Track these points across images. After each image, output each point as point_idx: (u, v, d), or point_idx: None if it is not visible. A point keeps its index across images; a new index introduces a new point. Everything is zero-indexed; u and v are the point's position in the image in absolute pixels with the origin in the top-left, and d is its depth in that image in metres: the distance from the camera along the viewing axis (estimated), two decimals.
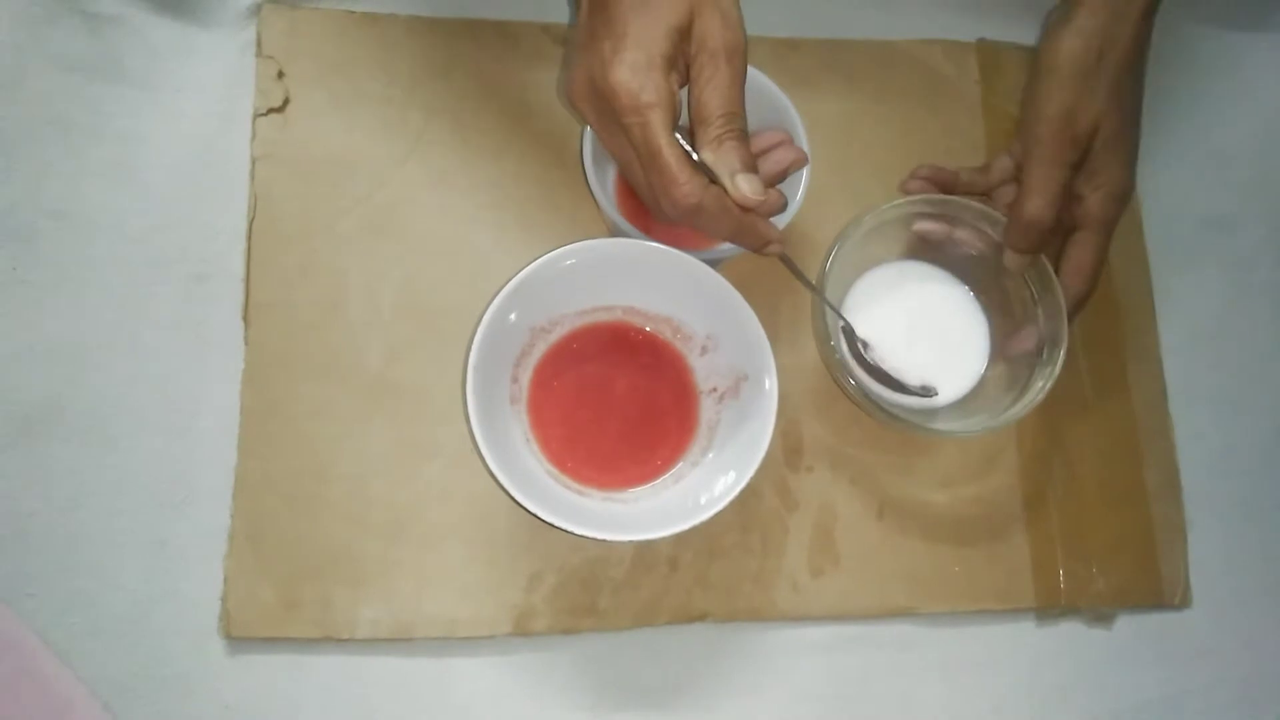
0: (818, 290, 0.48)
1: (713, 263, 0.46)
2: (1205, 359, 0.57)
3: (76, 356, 0.48)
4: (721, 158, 0.42)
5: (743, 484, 0.43)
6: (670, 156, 0.41)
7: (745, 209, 0.42)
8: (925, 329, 0.52)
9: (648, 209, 0.45)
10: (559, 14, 0.56)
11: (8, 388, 0.47)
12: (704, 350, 0.48)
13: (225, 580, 0.46)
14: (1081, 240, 0.50)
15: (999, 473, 0.53)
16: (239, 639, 0.46)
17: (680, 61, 0.42)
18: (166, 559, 0.46)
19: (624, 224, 0.48)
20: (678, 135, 0.41)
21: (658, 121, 0.40)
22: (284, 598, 0.46)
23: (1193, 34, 0.62)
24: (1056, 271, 0.50)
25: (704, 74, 0.42)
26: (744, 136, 0.42)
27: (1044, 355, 0.50)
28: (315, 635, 0.46)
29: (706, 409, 0.48)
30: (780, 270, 0.53)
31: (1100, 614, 0.52)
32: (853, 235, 0.49)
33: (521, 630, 0.47)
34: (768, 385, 0.44)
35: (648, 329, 0.49)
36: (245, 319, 0.49)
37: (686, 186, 0.41)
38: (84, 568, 0.46)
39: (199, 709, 0.45)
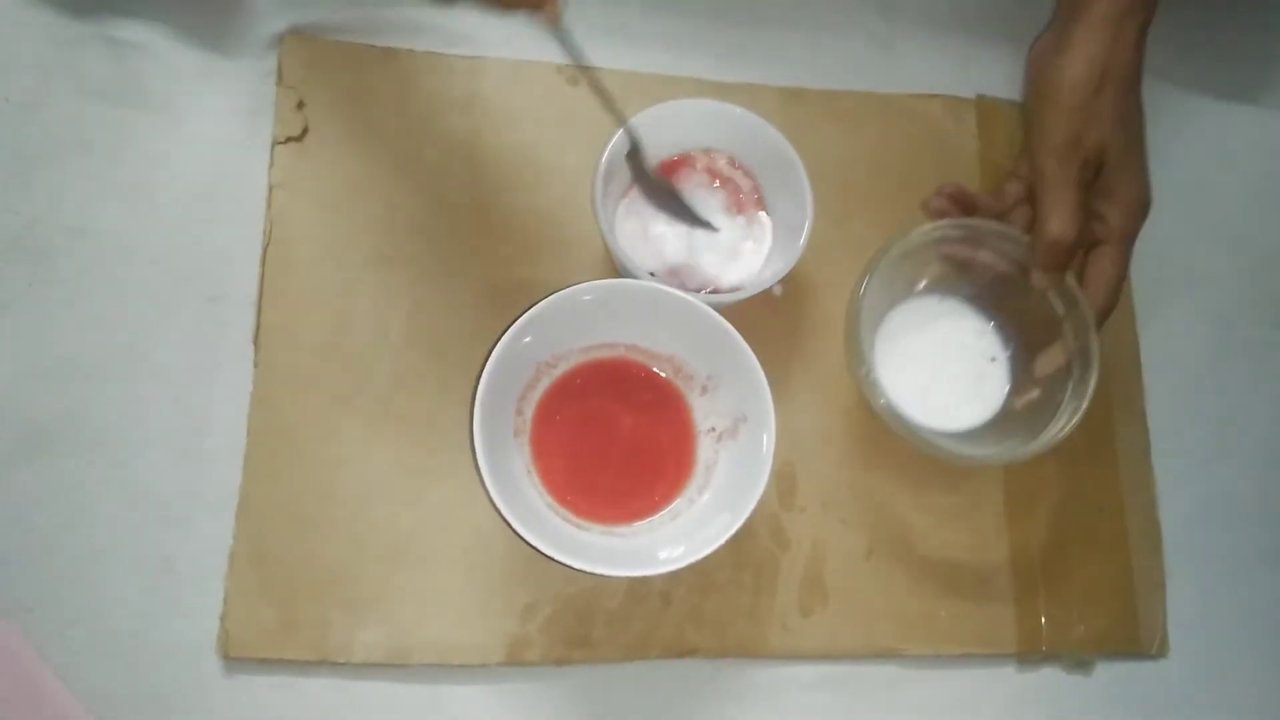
0: (593, 79, 0.47)
1: (717, 306, 0.47)
2: (1188, 413, 0.59)
3: (89, 374, 0.49)
4: None
5: (736, 526, 0.43)
6: None
7: None
8: (945, 365, 0.53)
9: None
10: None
11: (20, 403, 0.48)
12: (704, 390, 0.49)
13: (225, 600, 0.46)
14: (1102, 254, 0.51)
15: (986, 518, 0.54)
16: (236, 659, 0.46)
17: None
18: (169, 576, 0.47)
19: (631, 263, 0.49)
20: None
21: None
22: (282, 619, 0.47)
23: (1182, 102, 0.64)
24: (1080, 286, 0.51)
25: None
26: None
27: (1075, 373, 0.50)
28: (312, 658, 0.46)
29: (704, 448, 0.49)
30: (782, 315, 0.54)
31: (1080, 661, 0.54)
32: (882, 264, 0.50)
33: (515, 659, 0.48)
34: (765, 429, 0.45)
35: (651, 367, 0.50)
36: (256, 342, 0.50)
37: None
38: (87, 583, 0.46)
39: None
